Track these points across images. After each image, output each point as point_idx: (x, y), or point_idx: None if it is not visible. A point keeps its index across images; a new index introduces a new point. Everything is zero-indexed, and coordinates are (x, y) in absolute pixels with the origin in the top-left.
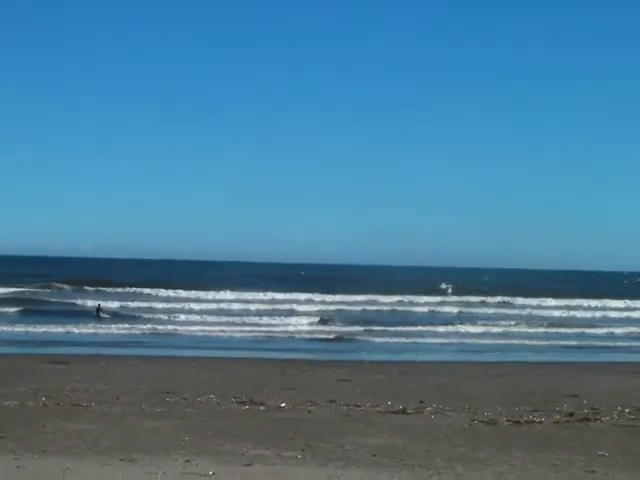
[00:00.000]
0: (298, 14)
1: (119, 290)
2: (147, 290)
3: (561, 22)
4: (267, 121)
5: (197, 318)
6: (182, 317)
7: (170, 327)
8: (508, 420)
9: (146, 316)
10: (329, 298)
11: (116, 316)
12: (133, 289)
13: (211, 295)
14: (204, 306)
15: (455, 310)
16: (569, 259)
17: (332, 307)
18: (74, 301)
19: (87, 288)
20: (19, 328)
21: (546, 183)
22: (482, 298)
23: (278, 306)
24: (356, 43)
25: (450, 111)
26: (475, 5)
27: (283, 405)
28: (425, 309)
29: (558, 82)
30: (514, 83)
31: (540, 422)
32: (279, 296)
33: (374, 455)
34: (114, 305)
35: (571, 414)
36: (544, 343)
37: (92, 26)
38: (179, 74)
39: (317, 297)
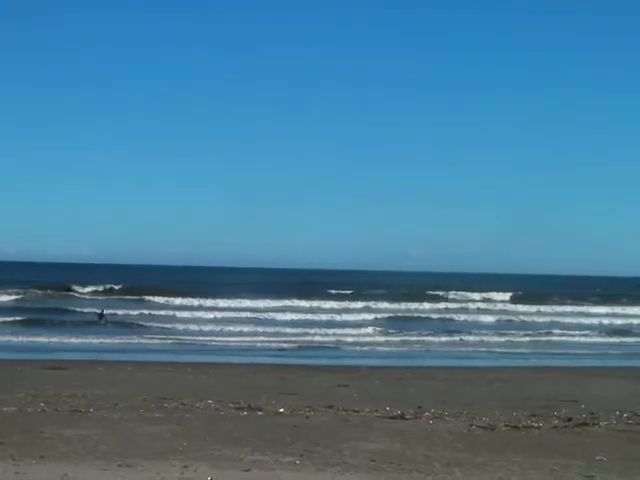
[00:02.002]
0: (301, 15)
1: (123, 297)
2: (154, 297)
3: (559, 24)
4: (265, 124)
5: (211, 326)
6: (182, 326)
7: (171, 335)
8: (506, 425)
9: (148, 324)
10: (355, 305)
11: (119, 323)
12: (141, 296)
13: (227, 302)
14: (222, 314)
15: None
16: (566, 263)
17: (376, 315)
18: (75, 308)
19: (87, 294)
20: (18, 334)
21: (545, 186)
22: (525, 306)
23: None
24: (354, 44)
25: (450, 113)
26: (473, 5)
27: (281, 410)
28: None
29: (555, 85)
30: (512, 87)
31: (538, 427)
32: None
33: (372, 460)
34: (117, 312)
35: (569, 419)
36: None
37: (92, 26)
38: (180, 75)
39: (343, 304)
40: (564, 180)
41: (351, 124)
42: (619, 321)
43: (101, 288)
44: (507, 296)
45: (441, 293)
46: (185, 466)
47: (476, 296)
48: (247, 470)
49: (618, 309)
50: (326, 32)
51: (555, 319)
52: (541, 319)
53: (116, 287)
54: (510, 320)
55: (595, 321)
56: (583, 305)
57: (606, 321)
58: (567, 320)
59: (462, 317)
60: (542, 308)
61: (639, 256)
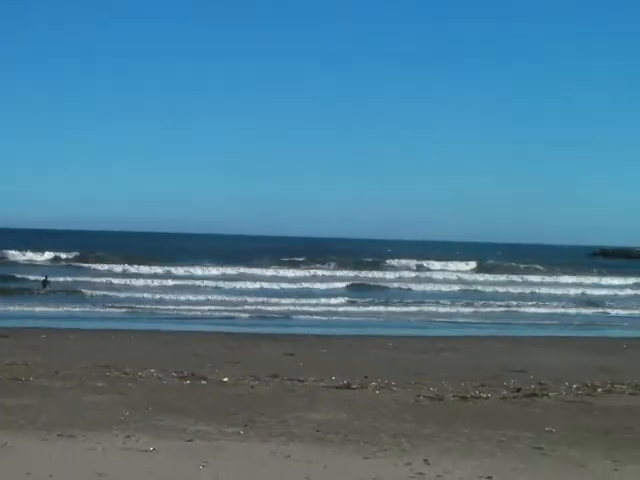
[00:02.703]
0: None
1: (72, 263)
2: (102, 265)
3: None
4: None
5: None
6: (129, 294)
7: (117, 303)
8: (454, 396)
9: (94, 292)
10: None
11: (64, 290)
12: (89, 264)
13: (178, 270)
14: (174, 282)
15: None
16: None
17: (329, 284)
18: (19, 274)
19: (33, 261)
20: None
21: (506, 156)
22: (484, 275)
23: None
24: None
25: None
26: None
27: (225, 380)
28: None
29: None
30: (499, 56)
31: (487, 398)
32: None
33: (318, 430)
34: (63, 279)
35: (518, 389)
36: None
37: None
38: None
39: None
40: (523, 149)
41: (314, 92)
42: (576, 291)
43: (49, 255)
44: (465, 265)
45: (396, 261)
46: (127, 436)
47: (436, 265)
48: (190, 440)
49: (574, 279)
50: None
51: (513, 289)
52: (499, 289)
53: (65, 254)
54: (466, 290)
55: (552, 291)
56: (540, 274)
57: (560, 291)
58: (525, 290)
59: (418, 286)
60: (501, 277)
61: (589, 225)
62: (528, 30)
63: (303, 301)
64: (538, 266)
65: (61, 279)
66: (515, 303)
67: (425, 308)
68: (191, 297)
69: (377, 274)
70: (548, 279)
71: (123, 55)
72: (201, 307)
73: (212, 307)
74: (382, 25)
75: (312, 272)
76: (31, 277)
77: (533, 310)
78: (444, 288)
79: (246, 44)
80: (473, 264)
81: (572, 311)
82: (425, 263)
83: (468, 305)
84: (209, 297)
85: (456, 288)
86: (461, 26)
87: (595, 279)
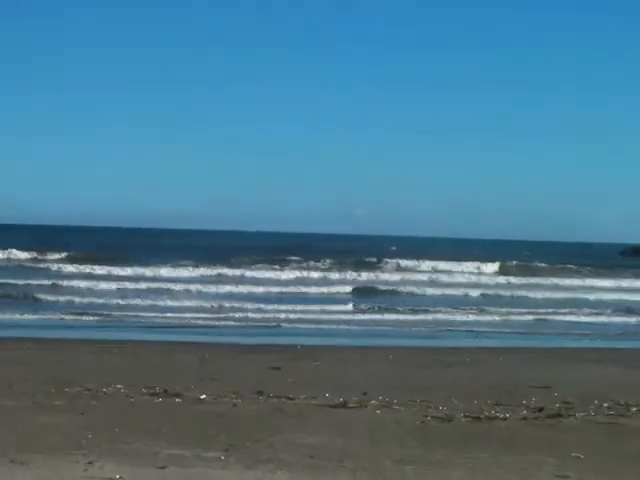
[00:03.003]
0: None
1: (24, 264)
2: (63, 264)
3: None
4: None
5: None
6: (92, 299)
7: (78, 309)
8: (466, 416)
9: (50, 296)
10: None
11: (16, 294)
12: (47, 263)
13: (151, 271)
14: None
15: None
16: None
17: (324, 287)
18: None
19: None
20: None
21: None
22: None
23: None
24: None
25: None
26: None
27: (203, 397)
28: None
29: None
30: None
31: (504, 418)
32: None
33: (310, 456)
34: (16, 282)
35: (540, 409)
36: None
37: None
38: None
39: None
40: (545, 141)
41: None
42: (612, 295)
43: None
44: (484, 266)
45: (403, 261)
46: (89, 462)
47: (449, 266)
48: (163, 467)
49: (610, 282)
50: None
51: (541, 294)
52: (523, 293)
53: (18, 252)
54: (486, 295)
55: (584, 296)
56: (569, 277)
57: (593, 296)
58: (553, 295)
59: (428, 290)
60: (525, 280)
61: (618, 221)
62: (532, 27)
63: (293, 307)
64: (571, 266)
65: (13, 281)
66: (542, 310)
67: (436, 316)
68: (165, 302)
69: (380, 276)
70: (578, 282)
71: (121, 52)
72: (176, 314)
73: (188, 314)
74: (382, 21)
75: (305, 273)
76: None
77: (562, 318)
78: (459, 293)
79: (245, 41)
80: (494, 265)
81: (607, 319)
82: (437, 263)
83: (487, 312)
84: (185, 302)
85: (474, 293)
86: (463, 16)
87: (632, 281)
